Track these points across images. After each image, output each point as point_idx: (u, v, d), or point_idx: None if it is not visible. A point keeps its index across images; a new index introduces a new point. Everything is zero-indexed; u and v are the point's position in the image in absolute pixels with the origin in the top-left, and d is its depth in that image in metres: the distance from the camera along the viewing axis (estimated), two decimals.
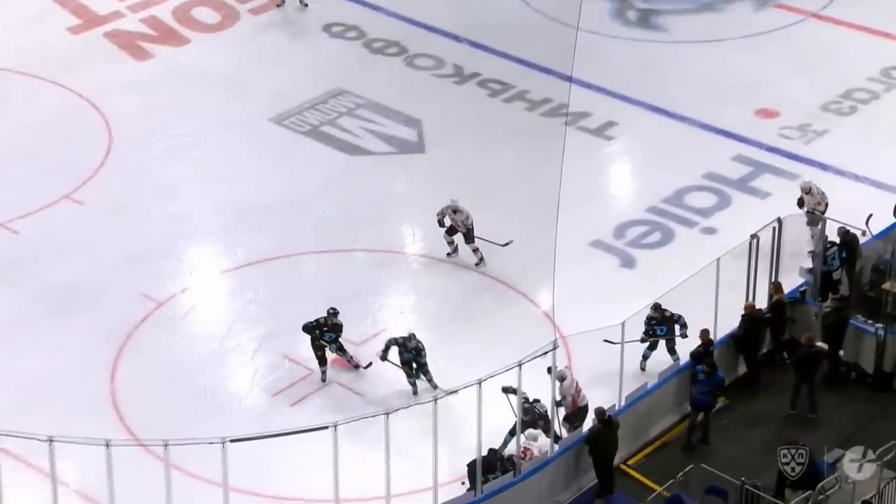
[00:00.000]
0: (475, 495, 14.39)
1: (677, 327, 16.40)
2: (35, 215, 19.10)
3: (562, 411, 15.39)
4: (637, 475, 15.30)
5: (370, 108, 22.18)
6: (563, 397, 15.38)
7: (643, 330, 16.31)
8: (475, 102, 22.38)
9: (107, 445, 13.02)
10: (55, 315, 17.24)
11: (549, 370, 14.83)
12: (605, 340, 15.46)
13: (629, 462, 15.47)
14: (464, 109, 22.25)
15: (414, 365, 16.08)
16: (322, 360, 16.38)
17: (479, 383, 13.97)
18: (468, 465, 14.60)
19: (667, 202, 19.78)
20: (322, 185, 20.31)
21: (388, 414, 13.58)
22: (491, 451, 14.79)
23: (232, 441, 13.11)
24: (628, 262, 18.66)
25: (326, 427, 13.38)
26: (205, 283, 18.33)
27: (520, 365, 14.45)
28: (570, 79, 22.53)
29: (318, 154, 21.06)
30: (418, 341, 16.10)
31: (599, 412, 14.99)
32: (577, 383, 15.52)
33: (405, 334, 16.16)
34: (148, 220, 19.22)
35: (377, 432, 13.67)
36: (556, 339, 15.39)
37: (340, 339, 16.41)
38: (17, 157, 20.35)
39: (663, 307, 16.30)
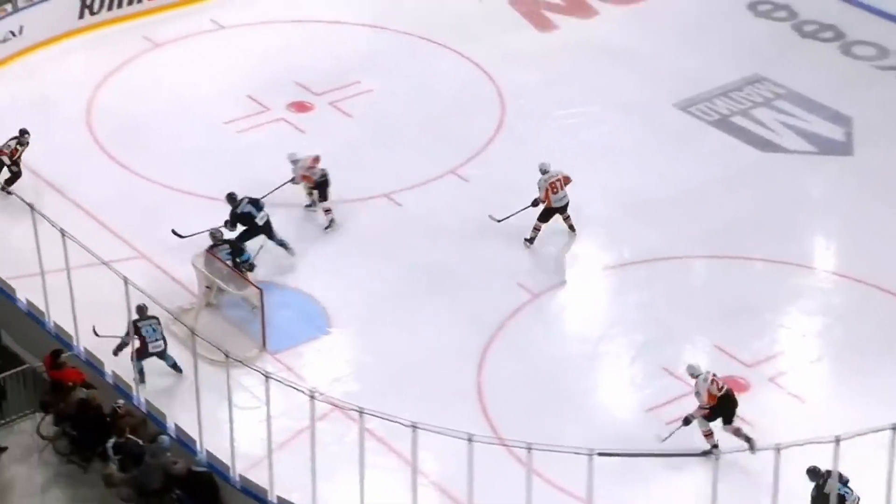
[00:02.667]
0: None
1: None
2: (419, 188, 20.22)
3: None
4: None
5: (791, 100, 21.95)
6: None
7: None
8: None
9: (469, 440, 13.64)
10: (427, 295, 18.23)
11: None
12: None
13: None
14: None
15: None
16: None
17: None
18: None
19: None
20: (726, 181, 20.33)
21: (778, 449, 13.47)
22: None
23: (599, 454, 13.36)
24: None
25: (709, 453, 13.45)
26: (584, 279, 18.82)
27: None
28: None
29: (725, 146, 21.12)
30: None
31: None
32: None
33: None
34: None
35: (766, 467, 13.54)
36: None
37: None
38: (408, 127, 21.60)
39: None
